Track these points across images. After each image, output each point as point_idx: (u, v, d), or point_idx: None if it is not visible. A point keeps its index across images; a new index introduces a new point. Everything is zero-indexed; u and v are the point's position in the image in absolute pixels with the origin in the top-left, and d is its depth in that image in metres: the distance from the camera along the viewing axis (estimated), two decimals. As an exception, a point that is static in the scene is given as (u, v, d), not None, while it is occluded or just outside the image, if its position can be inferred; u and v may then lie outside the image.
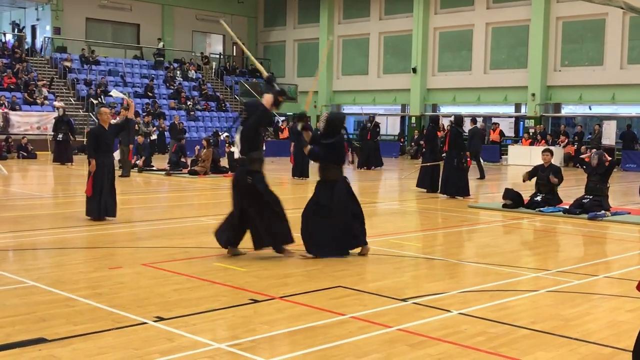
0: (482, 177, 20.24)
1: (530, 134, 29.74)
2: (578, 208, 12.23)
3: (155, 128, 30.24)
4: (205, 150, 19.89)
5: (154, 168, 21.29)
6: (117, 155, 17.41)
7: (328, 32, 37.86)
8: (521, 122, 32.26)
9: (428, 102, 35.07)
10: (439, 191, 15.52)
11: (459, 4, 33.47)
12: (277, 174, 21.74)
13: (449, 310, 5.84)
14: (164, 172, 20.19)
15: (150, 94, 34.16)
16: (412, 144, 32.87)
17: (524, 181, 13.48)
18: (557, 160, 21.06)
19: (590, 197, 12.38)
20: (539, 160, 13.51)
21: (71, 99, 32.48)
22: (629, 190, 18.04)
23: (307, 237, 8.04)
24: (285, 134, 31.73)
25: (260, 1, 42.45)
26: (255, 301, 6.02)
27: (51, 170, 21.55)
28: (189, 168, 20.18)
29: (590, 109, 30.75)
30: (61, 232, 9.68)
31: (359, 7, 37.39)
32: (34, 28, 37.54)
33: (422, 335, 5.14)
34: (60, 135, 23.35)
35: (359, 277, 7.20)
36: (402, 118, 36.47)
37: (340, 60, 38.56)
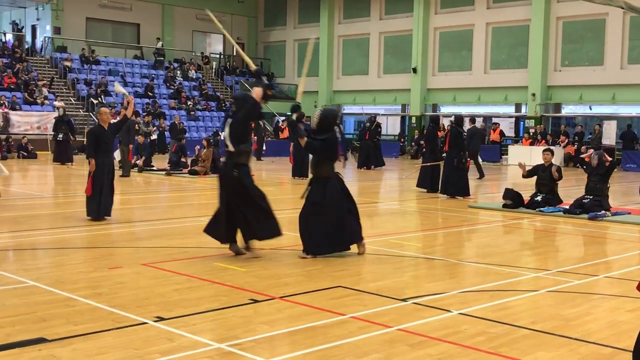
0: (481, 176, 20.28)
1: (531, 134, 29.72)
2: (578, 208, 12.23)
3: (155, 128, 30.25)
4: (205, 150, 19.89)
5: (154, 168, 21.28)
6: (117, 155, 17.42)
7: (328, 32, 37.87)
8: (521, 122, 32.24)
9: (428, 102, 35.06)
10: (439, 191, 15.53)
11: (459, 4, 33.45)
12: (277, 174, 21.72)
13: (449, 310, 5.83)
14: (164, 172, 20.19)
15: (150, 94, 34.15)
16: (413, 144, 32.84)
17: (522, 171, 13.37)
18: (557, 160, 21.05)
19: (591, 197, 12.38)
20: (539, 160, 13.51)
21: (71, 99, 32.48)
22: (629, 190, 18.03)
23: (307, 237, 8.03)
24: (286, 133, 31.68)
25: (260, 1, 42.44)
26: (255, 301, 6.02)
27: (51, 170, 21.55)
28: (189, 168, 20.17)
29: (590, 109, 30.74)
30: (61, 232, 9.68)
31: (359, 7, 37.38)
32: (34, 28, 37.54)
33: (422, 335, 5.14)
34: (60, 135, 23.38)
35: (359, 277, 7.20)
36: (403, 118, 36.43)
37: (340, 60, 38.55)
